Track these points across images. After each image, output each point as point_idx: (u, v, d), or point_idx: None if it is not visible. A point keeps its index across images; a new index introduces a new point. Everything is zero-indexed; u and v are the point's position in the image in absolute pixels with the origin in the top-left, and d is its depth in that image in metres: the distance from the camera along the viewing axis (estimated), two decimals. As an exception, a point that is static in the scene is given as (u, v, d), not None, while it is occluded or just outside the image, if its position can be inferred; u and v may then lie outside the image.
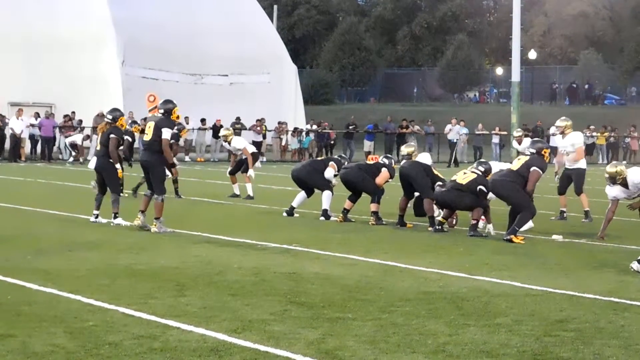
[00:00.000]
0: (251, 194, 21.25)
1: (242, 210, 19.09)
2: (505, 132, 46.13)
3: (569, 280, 10.84)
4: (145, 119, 34.14)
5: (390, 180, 16.92)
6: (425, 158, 17.52)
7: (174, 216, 15.50)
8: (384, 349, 7.41)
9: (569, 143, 17.93)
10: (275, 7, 69.55)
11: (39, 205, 18.60)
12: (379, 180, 16.71)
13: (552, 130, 18.51)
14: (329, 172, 17.33)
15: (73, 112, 40.17)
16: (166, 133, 14.50)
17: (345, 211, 16.87)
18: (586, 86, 70.51)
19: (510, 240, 14.25)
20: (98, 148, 15.95)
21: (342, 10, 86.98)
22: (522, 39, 50.63)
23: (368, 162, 18.35)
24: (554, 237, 15.08)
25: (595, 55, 71.25)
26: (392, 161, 17.35)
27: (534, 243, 14.43)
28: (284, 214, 17.64)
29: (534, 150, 15.30)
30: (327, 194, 17.21)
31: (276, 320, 8.35)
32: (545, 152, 15.28)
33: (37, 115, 39.34)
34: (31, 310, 8.59)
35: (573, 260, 12.56)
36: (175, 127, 17.18)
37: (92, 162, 16.36)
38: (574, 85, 71.00)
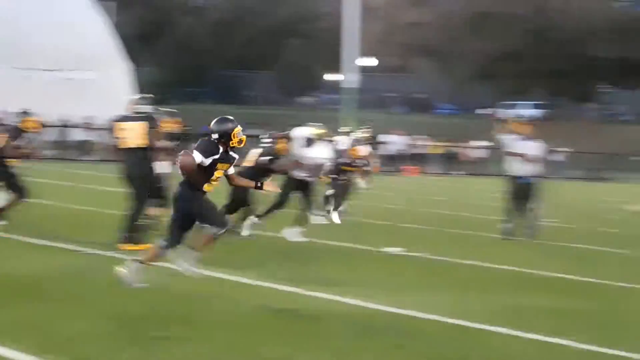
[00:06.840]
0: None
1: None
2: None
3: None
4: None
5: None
6: None
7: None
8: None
9: None
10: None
11: None
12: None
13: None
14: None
15: None
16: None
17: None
18: (422, 95, 71.57)
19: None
20: None
21: (179, 9, 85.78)
22: (357, 46, 50.79)
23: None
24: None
25: (430, 65, 72.35)
26: None
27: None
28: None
29: None
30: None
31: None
32: None
33: None
34: None
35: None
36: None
37: None
38: (411, 95, 71.94)
